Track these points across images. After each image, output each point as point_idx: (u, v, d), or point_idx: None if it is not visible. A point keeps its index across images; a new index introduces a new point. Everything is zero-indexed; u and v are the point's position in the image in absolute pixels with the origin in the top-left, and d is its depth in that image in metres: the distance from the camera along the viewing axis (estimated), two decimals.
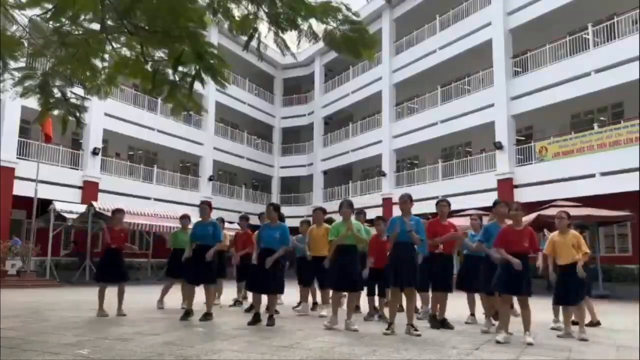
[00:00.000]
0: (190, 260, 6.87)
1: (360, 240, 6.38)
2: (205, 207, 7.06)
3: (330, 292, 6.97)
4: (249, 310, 7.97)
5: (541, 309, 8.21)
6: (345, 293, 6.60)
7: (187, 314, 6.85)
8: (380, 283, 7.18)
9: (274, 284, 6.39)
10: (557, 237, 6.09)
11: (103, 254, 7.60)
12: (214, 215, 24.32)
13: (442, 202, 6.86)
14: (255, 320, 6.39)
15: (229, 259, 9.78)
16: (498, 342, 5.27)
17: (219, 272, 9.22)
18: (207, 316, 6.73)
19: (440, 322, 6.49)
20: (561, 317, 6.75)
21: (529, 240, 5.51)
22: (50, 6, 4.71)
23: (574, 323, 6.37)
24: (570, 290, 5.89)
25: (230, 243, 9.56)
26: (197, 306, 7.04)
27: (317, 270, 7.49)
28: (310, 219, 8.27)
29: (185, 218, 8.72)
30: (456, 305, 7.55)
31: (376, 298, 7.41)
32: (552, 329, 6.56)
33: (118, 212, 7.63)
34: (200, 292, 6.98)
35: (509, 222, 5.81)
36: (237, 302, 8.91)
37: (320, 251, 7.38)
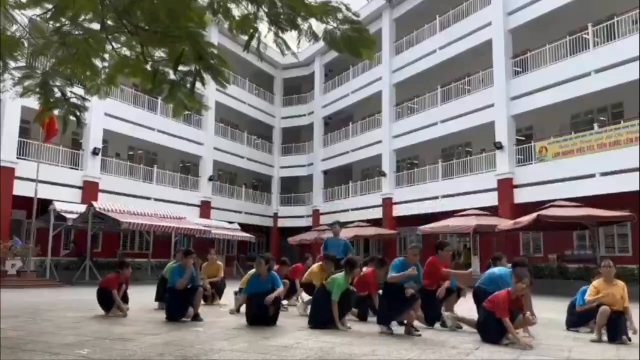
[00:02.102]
0: (175, 295, 6.92)
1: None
2: (189, 259, 7.14)
3: None
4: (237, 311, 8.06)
5: (547, 309, 8.19)
6: None
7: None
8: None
9: (275, 315, 6.55)
10: (603, 286, 6.01)
11: (99, 292, 7.52)
12: (214, 215, 24.12)
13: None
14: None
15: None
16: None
17: (217, 293, 9.42)
18: (196, 317, 6.83)
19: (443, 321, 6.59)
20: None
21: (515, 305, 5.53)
22: (50, 6, 4.71)
23: None
24: (620, 329, 5.75)
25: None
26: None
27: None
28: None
29: (180, 253, 8.95)
30: (459, 305, 7.55)
31: None
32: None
33: (127, 266, 7.76)
34: None
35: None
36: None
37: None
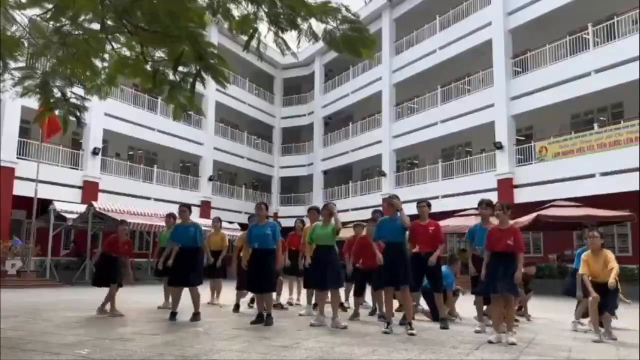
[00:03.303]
0: (174, 262, 6.84)
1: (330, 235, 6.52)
2: (184, 209, 7.05)
3: (314, 292, 7.14)
4: (236, 309, 8.13)
5: (547, 309, 8.20)
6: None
7: (173, 315, 6.83)
8: (365, 281, 7.38)
9: (267, 284, 6.45)
10: (591, 258, 6.04)
11: (100, 257, 7.56)
12: (214, 214, 24.17)
13: (422, 203, 6.88)
14: (258, 320, 6.43)
15: (228, 259, 9.75)
16: (490, 342, 5.28)
17: (220, 273, 9.17)
18: (195, 316, 6.73)
19: (440, 320, 6.60)
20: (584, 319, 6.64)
21: (512, 239, 5.46)
22: (50, 6, 4.71)
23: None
24: (609, 303, 5.83)
25: (230, 245, 9.53)
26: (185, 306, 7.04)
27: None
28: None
29: (169, 217, 8.79)
30: (464, 305, 7.57)
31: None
32: (586, 331, 6.45)
33: (122, 223, 7.69)
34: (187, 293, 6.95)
35: (494, 222, 5.85)
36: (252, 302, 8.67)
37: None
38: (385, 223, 6.24)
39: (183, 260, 6.77)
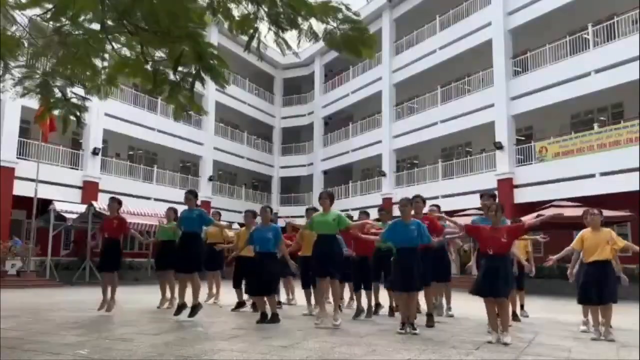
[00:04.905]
0: (178, 249, 6.89)
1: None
2: (189, 197, 7.01)
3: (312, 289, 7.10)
4: (236, 309, 8.11)
5: (547, 309, 8.20)
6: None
7: (181, 307, 6.73)
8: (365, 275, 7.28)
9: (265, 286, 6.43)
10: (589, 234, 5.98)
11: (103, 242, 7.64)
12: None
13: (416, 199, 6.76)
14: (263, 319, 6.45)
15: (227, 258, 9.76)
16: (490, 342, 5.27)
17: (215, 265, 9.20)
18: (195, 308, 6.62)
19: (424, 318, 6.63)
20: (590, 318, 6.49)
21: (506, 236, 5.39)
22: (50, 6, 4.71)
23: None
24: (603, 290, 5.75)
25: (233, 240, 9.54)
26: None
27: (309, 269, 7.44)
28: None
29: (170, 210, 8.86)
30: (463, 305, 7.56)
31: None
32: (583, 331, 6.34)
33: (111, 200, 7.70)
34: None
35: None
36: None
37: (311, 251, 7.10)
38: (399, 227, 6.03)
39: (186, 244, 6.78)
